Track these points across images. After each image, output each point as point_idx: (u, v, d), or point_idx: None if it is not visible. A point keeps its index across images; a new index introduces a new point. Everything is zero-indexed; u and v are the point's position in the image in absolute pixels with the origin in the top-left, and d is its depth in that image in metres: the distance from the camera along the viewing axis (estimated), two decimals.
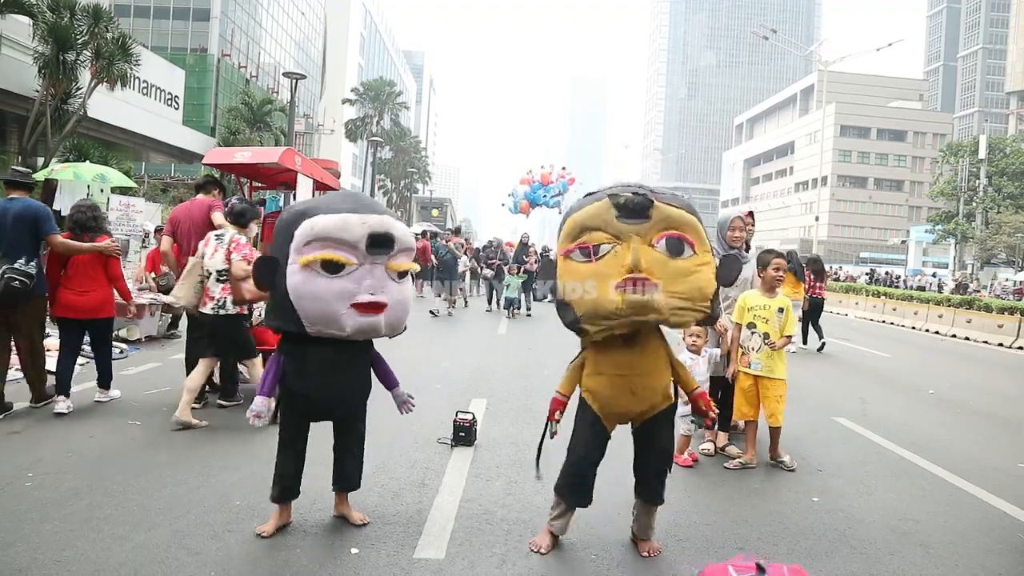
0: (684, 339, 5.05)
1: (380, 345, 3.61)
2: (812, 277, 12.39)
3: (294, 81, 24.26)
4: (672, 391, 3.42)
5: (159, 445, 4.78)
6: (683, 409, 4.85)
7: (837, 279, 39.39)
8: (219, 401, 5.76)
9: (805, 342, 12.15)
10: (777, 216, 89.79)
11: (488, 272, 17.21)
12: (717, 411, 3.65)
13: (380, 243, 3.18)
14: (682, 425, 4.99)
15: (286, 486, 3.47)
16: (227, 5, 53.57)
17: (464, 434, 5.08)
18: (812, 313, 12.02)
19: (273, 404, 3.55)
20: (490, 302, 17.09)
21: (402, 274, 3.35)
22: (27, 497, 3.73)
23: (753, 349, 5.00)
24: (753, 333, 4.99)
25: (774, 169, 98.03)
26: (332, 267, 3.12)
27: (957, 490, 4.81)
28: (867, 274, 43.19)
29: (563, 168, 27.02)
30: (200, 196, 6.19)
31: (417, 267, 3.48)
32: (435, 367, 8.40)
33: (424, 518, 3.73)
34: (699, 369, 4.99)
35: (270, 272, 3.23)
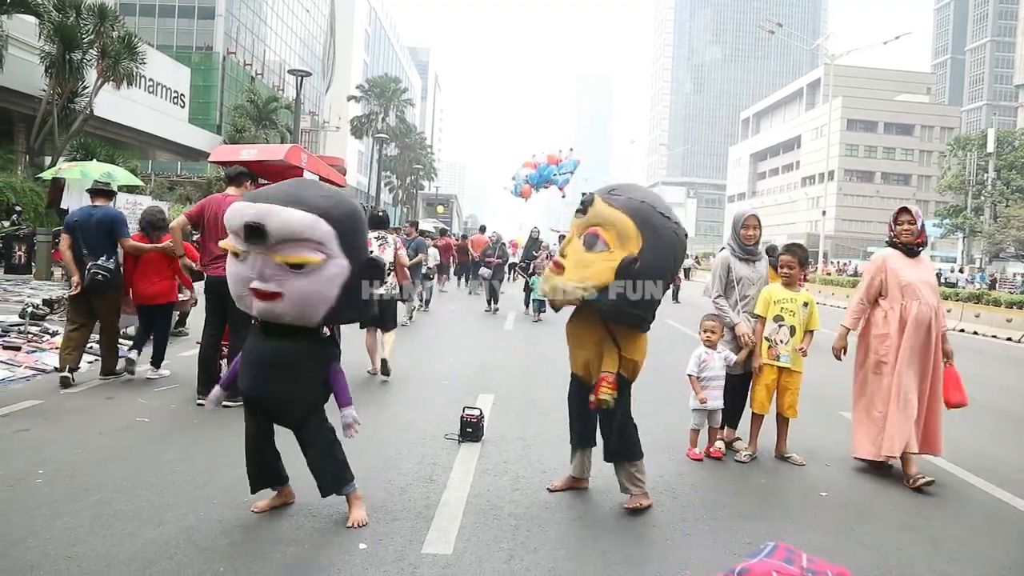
0: (700, 334, 5.13)
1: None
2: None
3: (299, 78, 24.26)
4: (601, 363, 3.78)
5: (167, 442, 4.81)
6: (693, 403, 4.96)
7: (843, 272, 39.23)
8: (224, 403, 5.75)
9: None
10: (784, 211, 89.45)
11: (486, 271, 15.86)
12: (613, 399, 3.65)
13: (251, 234, 3.13)
14: (693, 419, 5.04)
15: (250, 474, 3.64)
16: (232, 3, 53.63)
17: (471, 430, 5.08)
18: None
19: (222, 395, 3.74)
20: (489, 303, 15.56)
21: (296, 266, 3.16)
22: (38, 494, 3.75)
23: (781, 341, 4.96)
24: (781, 326, 4.96)
25: (780, 164, 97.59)
26: (234, 252, 3.30)
27: (966, 485, 4.79)
28: None
29: (571, 149, 26.64)
30: (231, 191, 6.07)
31: (318, 259, 3.19)
32: (441, 363, 8.41)
33: (432, 513, 3.74)
34: (712, 364, 5.01)
35: None
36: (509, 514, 3.80)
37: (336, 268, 3.24)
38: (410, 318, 12.56)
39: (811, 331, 5.04)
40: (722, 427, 5.20)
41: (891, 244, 5.06)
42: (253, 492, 3.64)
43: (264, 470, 3.63)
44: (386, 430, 5.22)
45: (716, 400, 5.01)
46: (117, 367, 6.60)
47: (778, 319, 4.98)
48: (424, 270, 13.98)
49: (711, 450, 5.04)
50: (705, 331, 5.09)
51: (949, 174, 56.16)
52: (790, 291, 5.05)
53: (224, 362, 6.20)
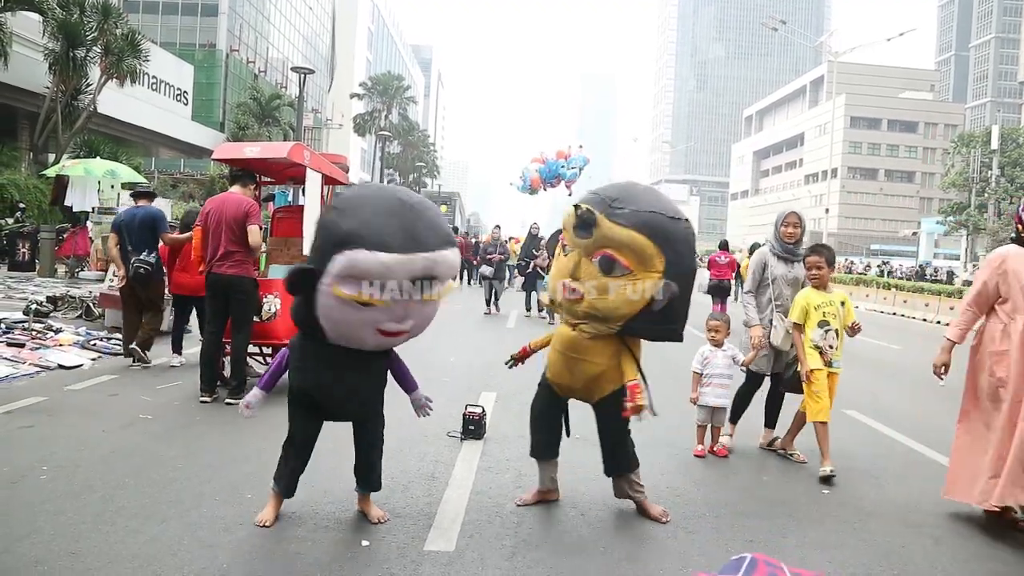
0: (705, 333, 5.15)
1: None
2: None
3: (302, 76, 24.27)
4: (616, 377, 3.61)
5: (170, 439, 4.82)
6: (723, 398, 5.01)
7: (849, 271, 39.17)
8: (227, 400, 5.79)
9: None
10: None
11: (487, 269, 14.83)
12: (644, 404, 3.50)
13: (421, 285, 3.12)
14: (697, 415, 5.05)
15: (288, 482, 3.47)
16: (235, 0, 53.64)
17: (474, 427, 5.08)
18: None
19: (264, 398, 3.47)
20: (489, 304, 14.66)
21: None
22: (42, 490, 3.76)
23: (831, 347, 4.70)
24: (828, 330, 4.69)
25: (784, 161, 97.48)
26: (365, 304, 3.06)
27: None
28: (878, 267, 42.79)
29: (580, 146, 26.30)
30: (236, 189, 6.12)
31: (455, 285, 3.42)
32: (443, 361, 8.42)
33: (434, 511, 3.75)
34: (716, 362, 5.02)
35: (307, 284, 3.10)
36: (511, 511, 3.81)
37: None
38: None
39: (851, 325, 4.91)
40: (747, 424, 5.21)
41: (1017, 239, 4.09)
42: (290, 496, 3.49)
43: (298, 472, 3.48)
44: (388, 428, 5.22)
45: (720, 398, 4.99)
46: (144, 355, 7.10)
47: (824, 324, 4.71)
48: None
49: (716, 448, 5.06)
50: (710, 330, 5.11)
51: (953, 171, 55.96)
52: (824, 293, 4.81)
53: (227, 360, 6.22)
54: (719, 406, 5.02)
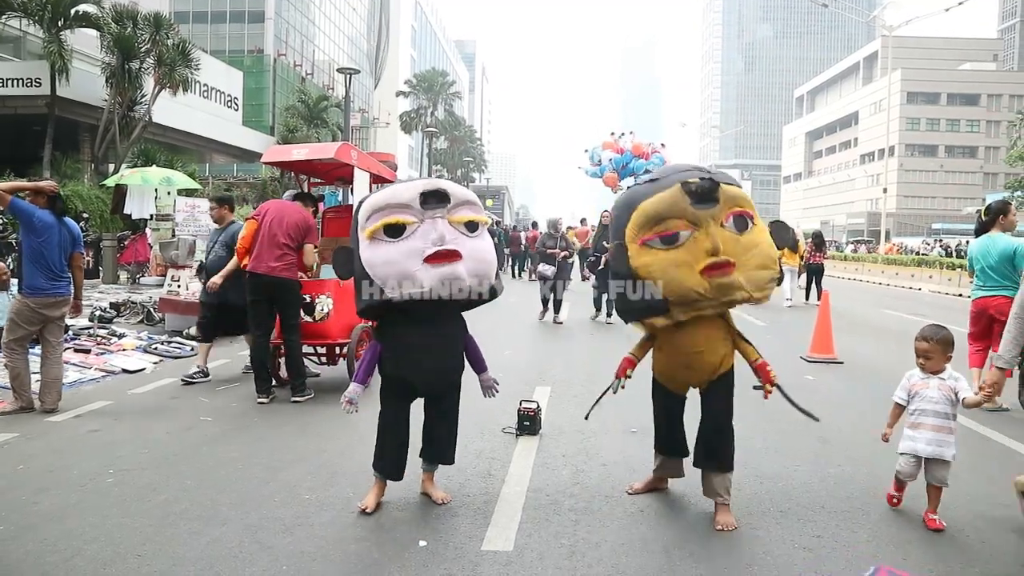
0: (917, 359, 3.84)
1: None
2: (812, 248, 15.13)
3: (348, 76, 24.46)
4: (730, 359, 3.64)
5: (230, 441, 4.89)
6: (903, 443, 3.75)
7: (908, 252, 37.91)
8: (293, 399, 5.88)
9: (807, 299, 15.30)
10: (842, 190, 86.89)
11: (547, 268, 11.52)
12: (775, 384, 3.57)
13: (433, 197, 3.39)
14: (899, 463, 3.78)
15: (390, 467, 3.69)
16: (280, 6, 54.58)
17: (529, 423, 5.04)
18: (815, 275, 15.17)
19: (363, 391, 3.63)
20: (546, 306, 11.92)
21: (471, 226, 3.46)
22: (109, 493, 3.86)
23: None
24: None
25: (837, 141, 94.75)
26: (394, 231, 3.33)
27: None
28: (941, 246, 41.17)
29: (662, 144, 25.25)
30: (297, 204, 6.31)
31: (487, 220, 3.58)
32: (497, 355, 8.35)
33: (491, 509, 3.71)
34: (929, 395, 3.66)
35: (347, 259, 3.50)
36: (569, 509, 3.75)
37: (488, 233, 3.64)
38: None
39: None
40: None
41: None
42: (388, 478, 3.71)
43: (402, 461, 3.70)
44: None
45: (933, 446, 3.61)
46: None
47: None
48: None
49: (929, 517, 3.63)
50: (918, 354, 3.76)
51: (1020, 143, 53.61)
52: None
53: (283, 360, 6.29)
54: (933, 456, 3.62)
